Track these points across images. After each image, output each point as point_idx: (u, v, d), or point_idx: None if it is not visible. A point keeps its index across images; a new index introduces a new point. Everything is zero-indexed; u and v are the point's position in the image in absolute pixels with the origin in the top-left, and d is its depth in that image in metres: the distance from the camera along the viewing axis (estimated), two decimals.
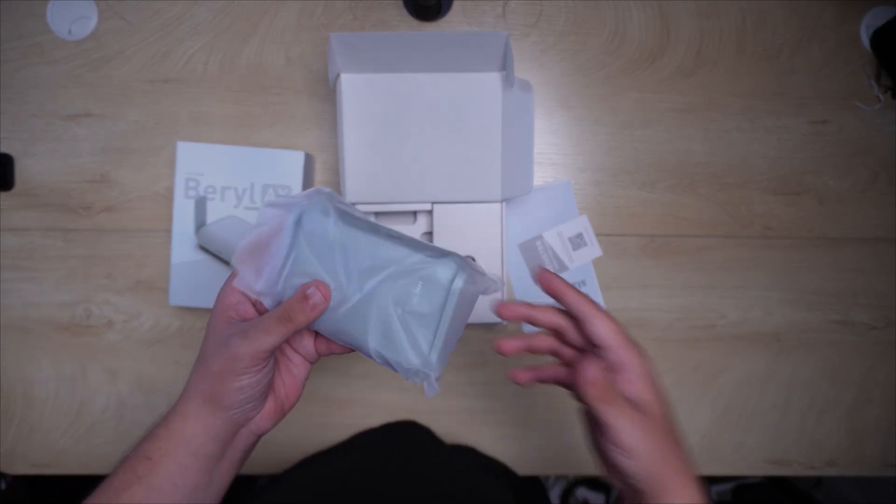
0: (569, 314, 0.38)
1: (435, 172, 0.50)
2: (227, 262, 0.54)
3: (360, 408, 0.59)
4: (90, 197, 0.58)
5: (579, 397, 0.36)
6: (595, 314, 0.36)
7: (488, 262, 0.51)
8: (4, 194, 0.58)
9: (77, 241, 0.58)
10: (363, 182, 0.50)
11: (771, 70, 0.58)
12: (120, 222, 0.58)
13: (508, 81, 0.48)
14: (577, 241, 0.58)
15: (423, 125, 0.49)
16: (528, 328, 0.59)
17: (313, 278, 0.35)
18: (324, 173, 0.58)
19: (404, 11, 0.57)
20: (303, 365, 0.39)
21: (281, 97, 0.58)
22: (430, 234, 0.53)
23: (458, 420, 0.59)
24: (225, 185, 0.53)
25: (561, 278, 0.37)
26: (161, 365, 0.59)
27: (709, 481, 1.01)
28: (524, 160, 0.52)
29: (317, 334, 0.39)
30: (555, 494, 1.11)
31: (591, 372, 0.33)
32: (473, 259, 0.51)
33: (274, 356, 0.36)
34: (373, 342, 0.35)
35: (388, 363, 0.35)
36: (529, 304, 0.39)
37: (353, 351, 0.37)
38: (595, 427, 0.36)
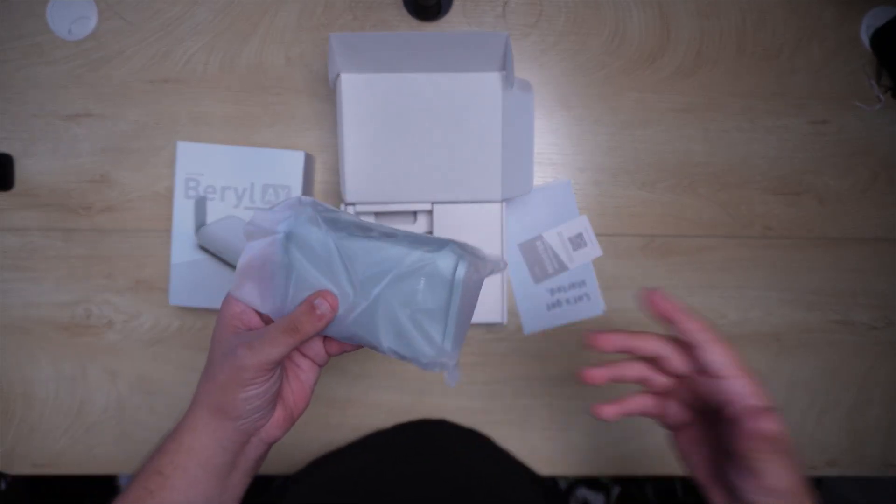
0: (669, 338, 0.36)
1: (435, 172, 0.50)
2: (227, 262, 0.54)
3: (360, 408, 0.59)
4: (90, 197, 0.58)
5: (667, 424, 0.37)
6: (714, 341, 0.34)
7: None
8: (4, 194, 0.58)
9: (77, 241, 0.58)
10: (363, 182, 0.50)
11: (771, 70, 0.58)
12: (120, 222, 0.58)
13: (508, 81, 0.48)
14: (577, 241, 0.58)
15: (423, 125, 0.49)
16: (526, 326, 0.59)
17: (318, 289, 0.35)
18: (324, 173, 0.58)
19: (404, 11, 0.57)
20: (311, 370, 0.39)
21: (281, 97, 0.58)
22: (430, 233, 0.53)
23: (458, 420, 0.59)
24: (225, 185, 0.53)
25: (673, 300, 0.36)
26: (161, 365, 0.59)
27: None
28: (524, 160, 0.52)
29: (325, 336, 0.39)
30: None
31: (771, 427, 0.31)
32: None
33: (281, 364, 0.36)
34: (386, 342, 0.35)
35: (404, 358, 0.35)
36: (628, 333, 0.37)
37: (362, 347, 0.37)
38: (717, 461, 0.36)
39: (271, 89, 0.58)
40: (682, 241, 0.59)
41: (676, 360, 0.37)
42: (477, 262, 0.35)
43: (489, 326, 0.58)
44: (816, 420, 0.60)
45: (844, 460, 0.60)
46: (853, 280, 0.59)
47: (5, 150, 0.57)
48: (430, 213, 0.52)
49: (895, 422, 0.59)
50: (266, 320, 0.36)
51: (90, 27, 0.57)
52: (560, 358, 0.59)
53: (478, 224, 0.51)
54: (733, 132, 0.58)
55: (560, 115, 0.58)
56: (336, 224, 0.35)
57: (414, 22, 0.57)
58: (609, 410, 0.39)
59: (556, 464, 0.59)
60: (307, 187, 0.56)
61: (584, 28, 0.58)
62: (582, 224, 0.59)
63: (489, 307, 0.51)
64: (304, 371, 0.39)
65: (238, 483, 0.37)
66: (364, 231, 0.35)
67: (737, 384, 0.34)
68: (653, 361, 0.38)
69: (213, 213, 0.54)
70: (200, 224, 0.54)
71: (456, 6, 0.57)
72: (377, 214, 0.53)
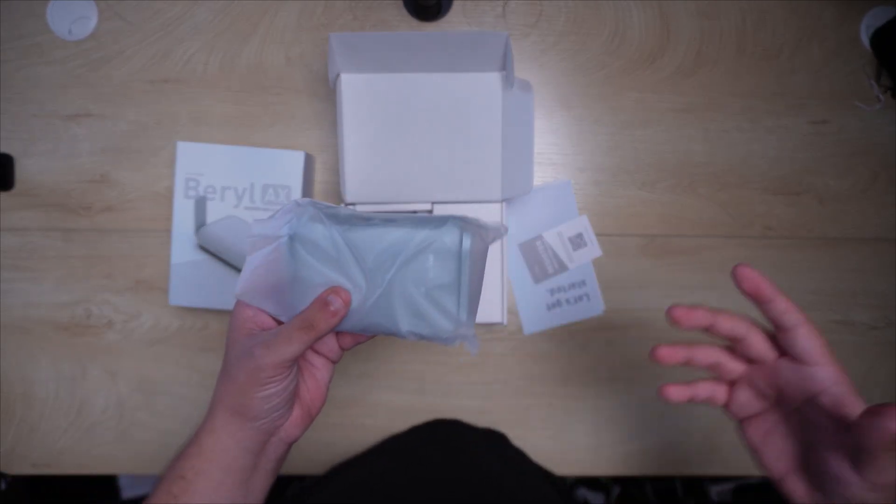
0: (750, 319, 0.35)
1: (435, 172, 0.50)
2: (227, 262, 0.54)
3: (360, 407, 0.59)
4: (90, 197, 0.58)
5: (735, 414, 0.36)
6: (806, 324, 0.33)
7: (489, 262, 0.51)
8: (4, 194, 0.58)
9: (77, 241, 0.58)
10: (363, 182, 0.50)
11: (771, 70, 0.58)
12: (120, 222, 0.58)
13: (508, 81, 0.48)
14: (577, 241, 0.58)
15: (423, 125, 0.49)
16: (526, 326, 0.59)
17: (329, 285, 0.35)
18: (324, 173, 0.58)
19: (404, 11, 0.57)
20: (325, 368, 0.39)
21: (281, 97, 0.58)
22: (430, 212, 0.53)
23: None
24: (225, 185, 0.53)
25: (766, 277, 0.33)
26: (161, 365, 0.59)
27: (709, 481, 1.01)
28: (524, 160, 0.52)
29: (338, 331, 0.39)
30: None
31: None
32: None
33: (297, 363, 0.36)
34: (404, 326, 0.35)
35: (422, 338, 0.36)
36: (711, 309, 0.35)
37: (376, 336, 0.38)
38: (797, 451, 0.35)
39: (271, 89, 0.58)
40: (682, 241, 0.59)
41: (757, 343, 0.35)
42: (480, 231, 0.36)
43: (489, 326, 0.58)
44: None
45: None
46: (853, 280, 0.59)
47: (5, 150, 0.57)
48: (430, 213, 0.52)
49: None
50: (279, 321, 0.37)
51: (90, 27, 0.57)
52: (560, 358, 0.59)
53: None
54: (733, 132, 0.58)
55: (560, 115, 0.58)
56: (337, 218, 0.36)
57: (414, 22, 0.57)
58: (677, 392, 0.37)
59: (556, 464, 0.59)
60: (307, 187, 0.56)
61: (584, 28, 0.58)
62: (582, 224, 0.59)
63: (489, 307, 0.51)
64: (318, 369, 0.39)
65: (260, 484, 0.38)
66: (365, 221, 0.35)
67: (826, 372, 0.33)
68: (727, 347, 0.36)
69: (213, 213, 0.54)
70: (200, 224, 0.54)
71: (456, 6, 0.57)
72: None
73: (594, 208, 0.59)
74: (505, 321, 0.52)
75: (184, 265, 0.54)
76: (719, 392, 0.37)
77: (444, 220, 0.35)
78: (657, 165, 0.58)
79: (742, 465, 0.60)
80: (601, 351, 0.59)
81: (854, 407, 0.32)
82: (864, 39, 0.58)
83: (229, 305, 0.54)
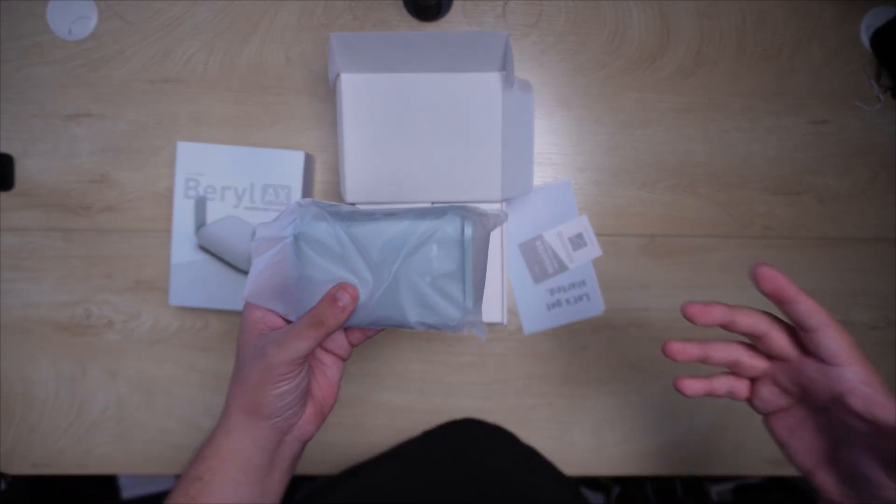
0: (771, 315, 0.34)
1: (435, 172, 0.50)
2: (227, 262, 0.54)
3: (360, 407, 0.59)
4: (90, 197, 0.58)
5: (759, 409, 0.35)
6: (831, 324, 0.31)
7: (489, 262, 0.51)
8: (4, 194, 0.58)
9: (77, 241, 0.58)
10: (363, 182, 0.50)
11: (771, 70, 0.58)
12: (120, 222, 0.58)
13: (508, 81, 0.48)
14: (577, 241, 0.58)
15: (423, 125, 0.49)
16: (526, 326, 0.59)
17: (336, 282, 0.35)
18: (324, 173, 0.58)
19: (404, 11, 0.57)
20: (335, 366, 0.40)
21: (281, 97, 0.58)
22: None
23: None
24: (225, 185, 0.53)
25: (787, 277, 0.32)
26: (161, 365, 0.59)
27: (709, 481, 1.01)
28: (524, 160, 0.52)
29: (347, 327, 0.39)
30: None
31: None
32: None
33: (308, 361, 0.36)
34: (413, 317, 0.36)
35: (432, 327, 0.36)
36: (728, 305, 0.34)
37: (385, 329, 0.38)
38: (825, 446, 0.34)
39: (271, 89, 0.58)
40: (682, 241, 0.59)
41: (779, 340, 0.33)
42: (481, 219, 0.36)
43: (489, 326, 0.58)
44: None
45: None
46: (853, 280, 0.59)
47: (5, 150, 0.57)
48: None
49: None
50: (288, 321, 0.37)
51: (90, 27, 0.57)
52: (560, 358, 0.59)
53: None
54: (733, 132, 0.58)
55: (560, 115, 0.58)
56: (340, 215, 0.36)
57: (414, 22, 0.57)
58: (693, 385, 0.35)
59: (556, 464, 0.59)
60: (307, 187, 0.56)
61: (584, 28, 0.58)
62: (582, 224, 0.59)
63: (489, 307, 0.51)
64: (329, 367, 0.40)
65: (277, 483, 0.38)
66: (367, 216, 0.36)
67: (853, 372, 0.31)
68: (746, 343, 0.35)
69: (213, 213, 0.54)
70: (200, 224, 0.54)
71: (456, 6, 0.57)
72: None
73: (594, 208, 0.59)
74: (505, 321, 0.52)
75: (184, 265, 0.54)
76: (740, 387, 0.36)
77: (444, 210, 0.36)
78: (657, 165, 0.58)
79: (742, 465, 0.60)
80: (601, 351, 0.59)
81: (886, 409, 0.30)
82: (864, 39, 0.58)
83: (229, 305, 0.54)
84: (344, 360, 0.40)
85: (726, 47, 0.58)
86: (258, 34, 0.57)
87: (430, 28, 0.58)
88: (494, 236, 0.52)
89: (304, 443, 0.39)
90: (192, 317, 0.59)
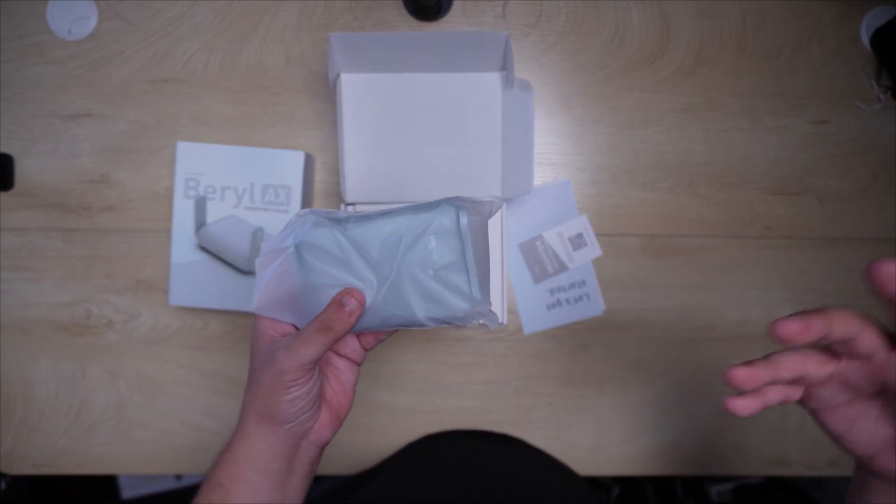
0: (860, 315, 0.30)
1: (435, 172, 0.50)
2: (227, 262, 0.54)
3: (360, 408, 0.59)
4: (90, 197, 0.58)
5: (813, 407, 0.33)
6: None
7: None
8: (4, 194, 0.58)
9: (77, 241, 0.58)
10: (363, 182, 0.50)
11: (771, 70, 0.58)
12: (120, 222, 0.58)
13: (508, 81, 0.48)
14: (577, 241, 0.58)
15: (423, 125, 0.49)
16: (526, 326, 0.59)
17: (341, 287, 0.35)
18: (324, 173, 0.58)
19: (404, 11, 0.57)
20: (349, 370, 0.40)
21: (281, 97, 0.58)
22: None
23: (457, 420, 0.59)
24: (225, 185, 0.53)
25: None
26: (161, 365, 0.59)
27: (709, 481, 1.01)
28: (524, 160, 0.52)
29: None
30: None
31: None
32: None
33: (318, 366, 0.36)
34: (420, 311, 0.36)
35: (442, 322, 0.36)
36: (819, 312, 0.29)
37: (397, 330, 0.38)
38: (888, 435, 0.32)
39: (271, 89, 0.58)
40: (682, 241, 0.59)
41: (870, 340, 0.31)
42: (476, 206, 0.36)
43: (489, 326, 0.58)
44: None
45: (844, 460, 0.60)
46: (853, 280, 0.59)
47: (5, 150, 0.57)
48: None
49: None
50: (298, 329, 0.37)
51: (90, 27, 0.57)
52: (560, 358, 0.59)
53: None
54: (733, 132, 0.58)
55: (560, 115, 0.58)
56: (337, 221, 0.36)
57: (414, 22, 0.57)
58: (745, 406, 0.31)
59: None
60: (307, 187, 0.56)
61: (584, 28, 0.58)
62: (582, 224, 0.58)
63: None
64: (342, 371, 0.40)
65: (297, 487, 0.38)
66: (363, 218, 0.36)
67: None
68: (818, 347, 0.32)
69: (213, 213, 0.54)
70: (200, 224, 0.54)
71: (456, 6, 0.57)
72: None
73: (594, 208, 0.59)
74: (505, 321, 0.52)
75: (184, 265, 0.54)
76: (795, 392, 0.32)
77: (438, 202, 0.36)
78: (657, 165, 0.58)
79: (742, 465, 0.60)
80: (601, 351, 0.59)
81: None
82: (864, 39, 0.58)
83: (229, 305, 0.55)
84: (358, 364, 0.40)
85: (726, 47, 0.58)
86: (258, 34, 0.57)
87: (430, 28, 0.58)
88: (494, 236, 0.52)
89: (322, 447, 0.39)
90: (191, 317, 0.59)
